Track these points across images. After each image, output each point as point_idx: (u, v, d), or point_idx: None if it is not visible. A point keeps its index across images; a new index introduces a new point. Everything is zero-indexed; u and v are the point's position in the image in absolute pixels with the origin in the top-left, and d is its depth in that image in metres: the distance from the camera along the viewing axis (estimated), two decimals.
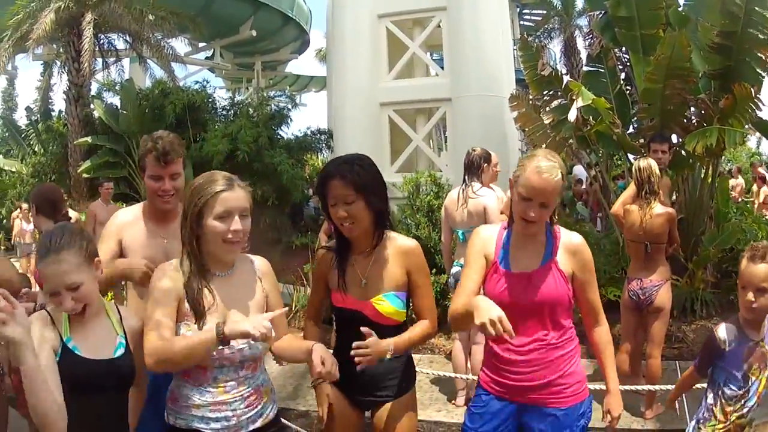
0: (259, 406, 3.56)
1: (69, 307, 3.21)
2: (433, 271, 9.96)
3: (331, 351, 3.81)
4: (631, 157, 11.49)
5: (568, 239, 3.86)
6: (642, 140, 10.68)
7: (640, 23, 10.71)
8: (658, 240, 7.14)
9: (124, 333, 3.44)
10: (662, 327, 7.28)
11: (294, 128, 29.06)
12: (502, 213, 7.53)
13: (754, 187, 19.17)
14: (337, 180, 3.83)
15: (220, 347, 3.28)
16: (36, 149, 26.99)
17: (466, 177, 7.81)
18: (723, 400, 4.09)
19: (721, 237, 10.31)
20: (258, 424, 3.53)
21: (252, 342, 3.38)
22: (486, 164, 7.78)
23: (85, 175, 20.53)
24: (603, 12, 11.77)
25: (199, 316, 3.37)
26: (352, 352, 3.62)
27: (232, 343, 3.32)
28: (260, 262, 3.79)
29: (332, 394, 4.01)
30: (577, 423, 3.76)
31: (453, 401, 8.00)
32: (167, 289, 3.40)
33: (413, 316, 4.10)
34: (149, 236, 4.48)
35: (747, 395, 4.06)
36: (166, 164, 4.35)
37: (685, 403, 7.34)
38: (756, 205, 17.65)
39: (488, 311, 3.15)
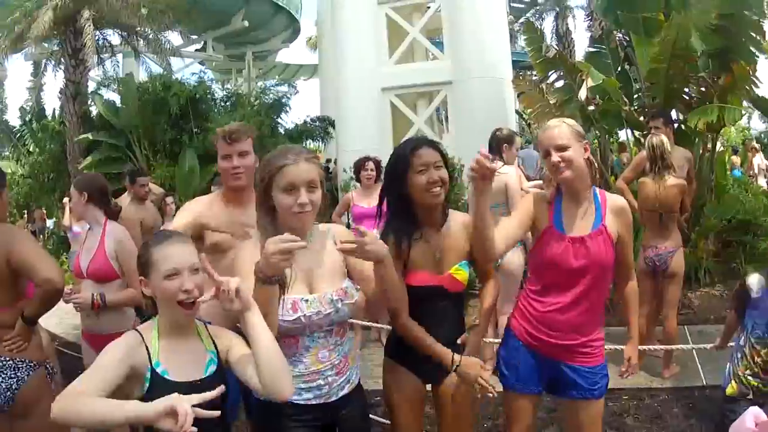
0: (347, 373, 3.60)
1: (190, 287, 3.08)
2: None
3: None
4: (636, 133, 11.92)
5: (613, 201, 4.13)
6: (642, 117, 11.09)
7: (641, 6, 11.12)
8: (671, 209, 7.54)
9: (216, 349, 3.27)
10: (677, 290, 7.77)
11: (285, 117, 28.76)
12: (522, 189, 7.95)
13: (756, 160, 19.44)
14: (428, 148, 4.01)
15: (306, 314, 3.36)
16: (31, 149, 26.70)
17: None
18: (751, 343, 4.44)
19: (721, 208, 10.80)
20: (346, 390, 3.58)
21: (339, 306, 3.44)
22: (506, 145, 8.14)
23: (85, 172, 20.09)
24: None
25: (283, 287, 3.26)
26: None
27: (320, 309, 3.39)
28: (337, 228, 3.76)
29: (399, 371, 4.16)
30: (602, 380, 4.14)
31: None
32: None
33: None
34: (229, 218, 4.71)
35: None
36: (232, 141, 4.62)
37: (697, 361, 7.88)
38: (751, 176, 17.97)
39: None
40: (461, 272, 4.10)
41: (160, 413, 2.63)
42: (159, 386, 3.01)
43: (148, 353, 3.08)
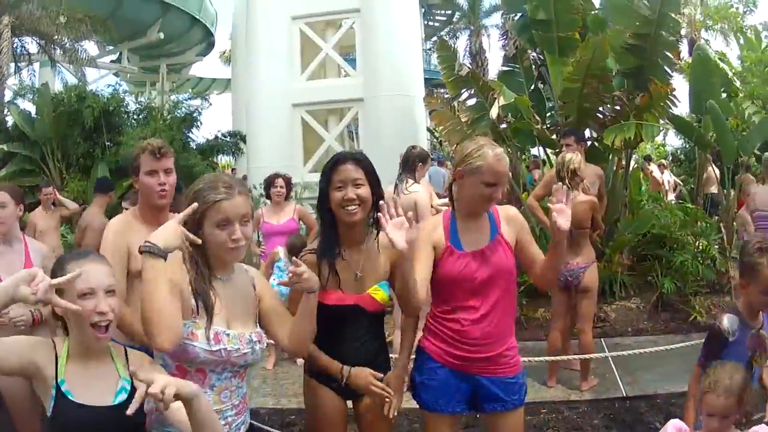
0: (244, 414, 3.57)
1: (105, 309, 3.01)
2: None
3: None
4: (548, 151, 12.13)
5: (505, 211, 4.27)
6: (555, 136, 11.27)
7: (558, 26, 11.28)
8: (581, 225, 7.57)
9: (131, 378, 3.09)
10: (591, 305, 7.86)
11: (197, 131, 28.08)
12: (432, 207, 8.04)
13: (665, 176, 19.65)
14: (351, 164, 3.97)
15: (227, 348, 3.31)
16: None
17: (401, 173, 8.28)
18: None
19: (635, 223, 11.02)
20: (242, 431, 3.55)
21: (255, 348, 3.44)
22: (421, 163, 8.27)
23: (2, 184, 19.41)
24: (520, 15, 12.31)
25: (210, 315, 3.28)
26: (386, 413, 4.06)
27: (239, 346, 3.35)
28: (252, 271, 3.77)
29: (319, 388, 4.15)
30: (521, 389, 4.22)
31: None
32: (174, 279, 3.21)
33: None
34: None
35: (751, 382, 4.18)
36: (160, 157, 4.57)
37: (616, 373, 8.06)
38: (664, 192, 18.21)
39: None
40: (380, 292, 4.13)
41: (18, 281, 2.71)
42: (62, 406, 2.95)
43: (56, 365, 3.01)
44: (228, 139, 21.53)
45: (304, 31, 18.70)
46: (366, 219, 4.06)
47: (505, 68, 13.51)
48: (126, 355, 3.24)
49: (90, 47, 26.67)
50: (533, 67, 12.90)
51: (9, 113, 21.00)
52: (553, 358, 7.52)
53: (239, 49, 24.97)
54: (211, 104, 23.15)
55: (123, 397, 3.06)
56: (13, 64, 22.83)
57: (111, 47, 34.52)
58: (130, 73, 36.94)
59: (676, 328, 9.66)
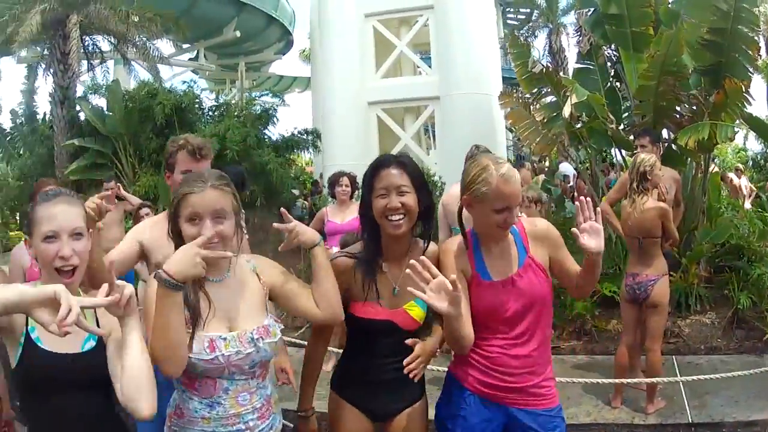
0: (270, 418, 3.39)
1: (67, 254, 2.93)
2: None
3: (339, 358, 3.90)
4: (624, 152, 11.63)
5: (532, 228, 3.82)
6: (632, 137, 10.75)
7: (630, 21, 10.88)
8: (650, 234, 7.07)
9: (98, 326, 2.96)
10: (660, 321, 7.26)
11: (278, 129, 28.67)
12: None
13: (742, 182, 19.19)
14: (395, 168, 3.62)
15: (224, 353, 3.13)
16: (21, 152, 26.48)
17: None
18: None
19: (714, 232, 10.37)
20: None
21: (260, 345, 3.22)
22: None
23: (71, 177, 20.16)
24: (593, 9, 11.88)
25: (197, 323, 3.12)
26: (406, 371, 3.68)
27: (239, 348, 3.16)
28: (257, 260, 3.54)
29: (344, 407, 3.90)
30: (561, 423, 3.80)
31: None
32: None
33: None
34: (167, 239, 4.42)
35: None
36: (201, 158, 4.38)
37: (684, 396, 7.46)
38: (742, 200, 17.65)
39: None
40: (416, 309, 3.74)
41: (37, 299, 2.40)
42: (31, 353, 2.86)
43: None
44: (304, 136, 21.29)
45: (377, 29, 18.54)
46: (412, 230, 3.73)
47: (579, 65, 13.02)
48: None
49: (165, 45, 26.96)
50: (608, 64, 12.47)
51: (81, 109, 21.33)
52: (614, 380, 7.07)
53: (317, 47, 24.95)
54: (284, 101, 23.20)
55: (91, 344, 3.00)
56: (85, 62, 23.16)
57: (187, 45, 34.95)
58: (208, 70, 37.39)
59: (751, 348, 8.96)
